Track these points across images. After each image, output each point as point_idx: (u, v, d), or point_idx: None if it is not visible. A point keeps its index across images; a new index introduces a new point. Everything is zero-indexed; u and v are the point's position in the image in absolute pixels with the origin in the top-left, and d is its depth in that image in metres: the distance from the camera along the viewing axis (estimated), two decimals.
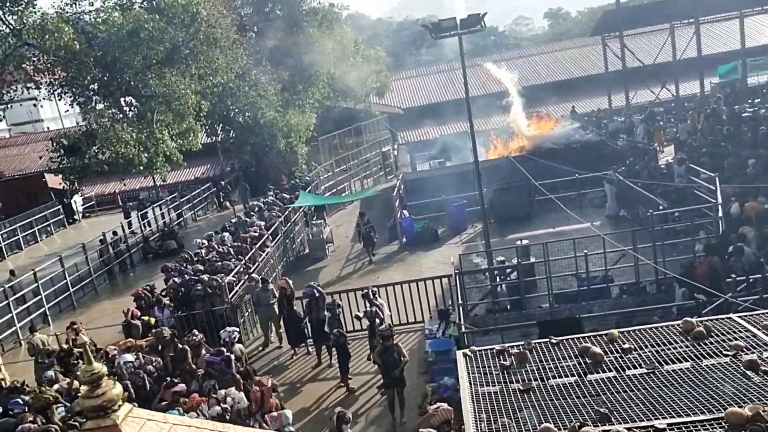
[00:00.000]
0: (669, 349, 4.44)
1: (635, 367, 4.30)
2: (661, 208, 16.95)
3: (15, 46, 21.73)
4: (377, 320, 13.09)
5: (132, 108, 23.12)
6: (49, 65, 22.51)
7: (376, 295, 13.80)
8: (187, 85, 22.59)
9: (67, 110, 32.88)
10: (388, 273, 19.02)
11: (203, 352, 12.04)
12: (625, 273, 15.23)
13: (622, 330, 4.85)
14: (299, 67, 28.46)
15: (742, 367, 4.05)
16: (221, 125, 29.21)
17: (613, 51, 29.71)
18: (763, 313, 4.87)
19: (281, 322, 14.94)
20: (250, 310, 16.22)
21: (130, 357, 12.29)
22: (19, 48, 21.97)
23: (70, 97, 22.92)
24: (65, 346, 12.88)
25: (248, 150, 29.13)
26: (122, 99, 22.72)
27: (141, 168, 22.16)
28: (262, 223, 20.50)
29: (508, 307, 15.29)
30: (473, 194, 22.76)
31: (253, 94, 26.86)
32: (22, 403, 10.71)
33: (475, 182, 16.07)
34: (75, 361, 12.62)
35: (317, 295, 14.34)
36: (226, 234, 20.22)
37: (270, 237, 19.45)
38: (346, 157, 29.26)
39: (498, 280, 15.56)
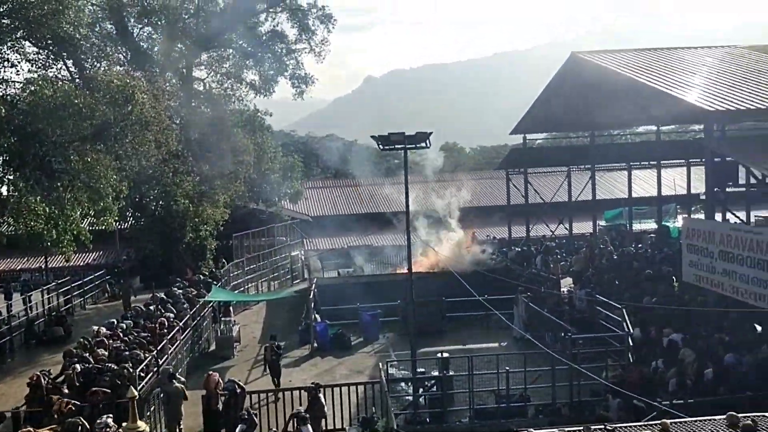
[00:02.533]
0: None
1: None
2: (570, 334, 17.91)
3: None
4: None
5: (46, 182, 21.91)
6: None
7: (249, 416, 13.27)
8: (108, 164, 21.90)
9: None
10: (301, 376, 18.53)
11: None
12: (539, 393, 15.76)
13: (674, 421, 5.13)
14: (219, 162, 28.45)
15: None
16: (132, 211, 28.25)
17: (516, 186, 32.04)
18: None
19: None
20: (154, 406, 15.14)
21: None
22: None
23: None
24: None
25: (155, 239, 28.15)
26: (37, 171, 21.54)
27: (47, 245, 20.74)
28: (172, 315, 19.58)
29: (428, 420, 15.26)
30: (384, 305, 23.27)
31: (170, 182, 26.41)
32: None
33: (407, 293, 16.40)
34: None
35: (238, 391, 13.74)
36: (129, 322, 19.13)
37: (180, 330, 18.58)
38: (256, 257, 28.93)
39: (420, 391, 15.58)
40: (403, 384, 16.89)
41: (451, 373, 15.70)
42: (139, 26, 29.86)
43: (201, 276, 26.41)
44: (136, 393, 4.12)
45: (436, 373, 15.99)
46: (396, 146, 15.06)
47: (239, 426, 12.74)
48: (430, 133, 14.91)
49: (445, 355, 16.51)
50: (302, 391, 14.61)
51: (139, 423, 3.70)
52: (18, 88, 21.87)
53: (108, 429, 11.16)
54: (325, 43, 33.34)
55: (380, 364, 15.60)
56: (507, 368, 15.17)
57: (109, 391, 13.27)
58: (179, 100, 27.97)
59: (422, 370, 16.47)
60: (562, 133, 38.87)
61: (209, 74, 32.95)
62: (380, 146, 15.17)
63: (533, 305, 21.21)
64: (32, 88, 21.09)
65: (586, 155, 30.69)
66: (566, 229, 31.84)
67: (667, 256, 24.23)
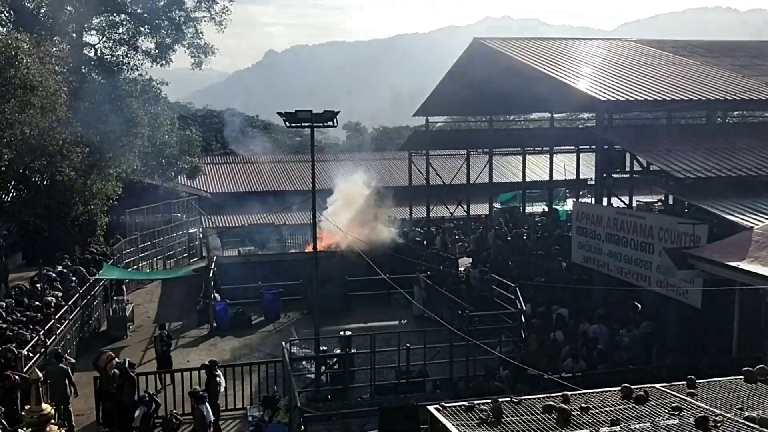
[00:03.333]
0: (622, 411, 5.05)
1: (601, 425, 4.81)
2: (466, 312, 18.53)
3: None
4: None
5: None
6: None
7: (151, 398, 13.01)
8: None
9: None
10: (200, 357, 18.10)
11: None
12: (438, 368, 16.24)
13: (573, 393, 5.39)
14: (111, 133, 27.00)
15: (695, 426, 4.78)
16: (14, 182, 26.28)
17: (418, 167, 32.58)
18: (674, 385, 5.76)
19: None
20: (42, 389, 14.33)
21: None
22: None
23: None
24: None
25: (38, 213, 26.40)
26: None
27: None
28: (60, 294, 18.53)
29: (329, 396, 15.38)
30: (287, 284, 23.13)
31: (56, 152, 24.79)
32: None
33: (311, 272, 16.33)
34: None
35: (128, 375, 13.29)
36: (9, 301, 17.94)
37: (69, 309, 17.63)
38: (151, 234, 27.85)
39: (323, 369, 15.66)
40: (305, 362, 16.92)
41: (353, 351, 15.86)
42: None
43: (91, 253, 25.14)
44: (40, 375, 3.88)
45: (338, 351, 16.10)
46: (303, 124, 14.90)
47: (139, 408, 12.31)
48: (338, 112, 14.86)
49: (348, 333, 16.64)
50: (199, 371, 14.33)
51: (44, 405, 3.49)
52: None
53: None
54: (226, 12, 32.35)
55: (283, 342, 15.51)
56: (408, 345, 15.51)
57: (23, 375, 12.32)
58: (68, 66, 26.26)
59: (325, 348, 16.55)
60: (462, 117, 39.72)
61: (101, 40, 31.18)
62: (286, 123, 14.95)
63: (433, 284, 21.75)
64: None
65: (485, 140, 31.63)
66: (464, 210, 32.78)
67: (557, 237, 25.54)
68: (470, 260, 25.79)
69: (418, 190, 33.00)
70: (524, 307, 17.63)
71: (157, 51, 31.49)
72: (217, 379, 13.71)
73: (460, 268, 24.38)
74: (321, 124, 14.70)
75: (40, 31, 24.79)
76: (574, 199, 29.21)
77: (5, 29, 25.67)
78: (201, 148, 35.07)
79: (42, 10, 28.43)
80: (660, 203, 25.94)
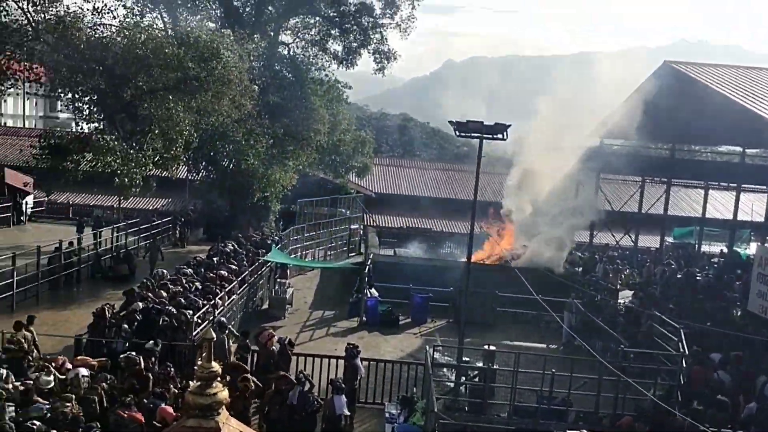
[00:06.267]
0: None
1: None
2: (621, 346, 17.56)
3: (28, 38, 21.47)
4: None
5: (125, 125, 22.82)
6: (54, 64, 22.19)
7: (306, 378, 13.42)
8: (185, 116, 22.60)
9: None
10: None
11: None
12: (583, 400, 15.55)
13: None
14: (294, 127, 28.91)
15: None
16: (204, 163, 29.10)
17: (586, 190, 31.34)
18: None
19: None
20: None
21: (85, 372, 11.74)
22: (31, 41, 21.70)
23: (69, 99, 22.55)
24: (22, 347, 12.17)
25: (223, 194, 28.95)
26: (121, 114, 22.46)
27: (119, 183, 21.64)
28: (234, 268, 20.19)
29: (466, 408, 15.30)
30: (436, 289, 23.33)
31: (243, 141, 27.01)
32: None
33: (463, 282, 16.39)
34: (30, 364, 11.95)
35: (289, 349, 14.11)
36: (189, 270, 19.81)
37: (237, 284, 19.15)
38: (317, 225, 29.41)
39: (463, 379, 15.63)
40: (445, 370, 16.97)
41: (495, 367, 15.64)
42: None
43: (261, 235, 27.07)
44: (213, 335, 4.32)
45: (480, 365, 15.97)
46: (472, 134, 14.97)
47: (297, 387, 12.82)
48: (509, 125, 14.75)
49: (492, 348, 16.44)
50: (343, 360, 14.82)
51: (213, 363, 3.90)
52: (113, 32, 22.65)
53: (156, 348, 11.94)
54: (411, 19, 33.27)
55: (427, 347, 15.68)
56: (553, 370, 15.01)
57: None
58: (263, 62, 28.50)
59: (467, 359, 16.49)
60: (641, 142, 37.65)
61: (294, 40, 33.46)
62: (456, 132, 15.10)
63: (587, 312, 20.85)
64: (126, 33, 21.91)
65: (664, 168, 29.68)
66: (632, 240, 31.04)
67: (734, 282, 23.37)
68: (632, 293, 24.37)
69: (581, 214, 31.72)
70: (686, 351, 16.35)
71: (344, 54, 33.14)
72: (356, 363, 14.07)
73: (619, 300, 23.14)
74: (490, 136, 14.67)
75: (244, 28, 27.10)
76: (759, 243, 26.56)
77: (214, 25, 28.33)
78: (373, 148, 36.42)
79: (247, 9, 31.08)
80: None
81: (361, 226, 33.75)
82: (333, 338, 20.02)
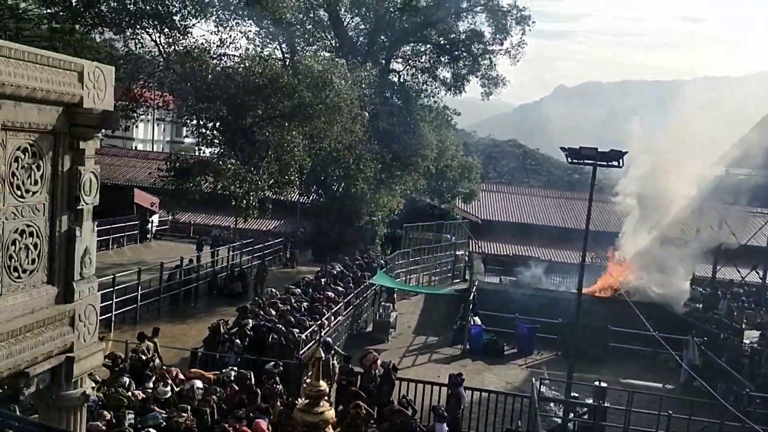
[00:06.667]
0: None
1: None
2: (747, 390, 16.27)
3: (159, 69, 23.16)
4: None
5: (244, 150, 24.00)
6: (182, 92, 23.80)
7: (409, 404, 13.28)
8: (299, 141, 23.49)
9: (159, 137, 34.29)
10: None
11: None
12: None
13: None
14: (402, 153, 29.29)
15: None
16: (314, 187, 30.03)
17: (709, 221, 29.49)
18: None
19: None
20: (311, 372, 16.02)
21: (200, 384, 12.24)
22: (162, 71, 23.39)
23: (194, 124, 24.07)
24: (143, 357, 12.91)
25: (331, 217, 29.68)
26: (241, 140, 23.67)
27: (236, 206, 22.73)
28: (340, 289, 20.58)
29: None
30: (543, 320, 22.62)
31: (353, 166, 27.64)
32: (97, 400, 10.73)
33: (573, 313, 15.81)
34: (149, 374, 12.64)
35: (389, 377, 14.10)
36: (298, 290, 20.35)
37: (343, 305, 19.47)
38: (422, 250, 29.45)
39: (571, 416, 15.00)
40: (552, 405, 16.36)
41: (606, 405, 14.91)
42: (350, 16, 31.51)
43: (368, 258, 27.43)
44: (322, 354, 4.40)
45: (590, 401, 15.28)
46: (586, 161, 14.53)
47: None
48: (625, 152, 14.22)
49: (604, 384, 15.71)
50: (446, 388, 14.65)
51: (321, 383, 3.97)
52: (235, 62, 24.00)
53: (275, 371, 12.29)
54: (522, 45, 32.99)
55: (533, 379, 15.21)
56: (670, 411, 14.11)
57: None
58: (374, 89, 29.16)
59: (576, 394, 15.81)
60: None
61: (405, 67, 33.99)
62: (568, 159, 14.72)
63: (709, 351, 19.51)
64: (246, 64, 23.13)
65: None
66: (759, 277, 28.77)
67: None
68: (758, 333, 22.55)
69: (705, 247, 29.81)
70: None
71: (452, 80, 33.32)
72: (460, 391, 13.86)
73: (744, 340, 21.47)
74: (605, 163, 14.17)
75: (357, 57, 27.91)
76: None
77: (329, 54, 29.38)
78: (480, 174, 36.19)
79: (360, 38, 32.00)
80: None
81: (467, 253, 33.46)
82: (435, 365, 19.84)
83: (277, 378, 12.50)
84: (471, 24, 33.17)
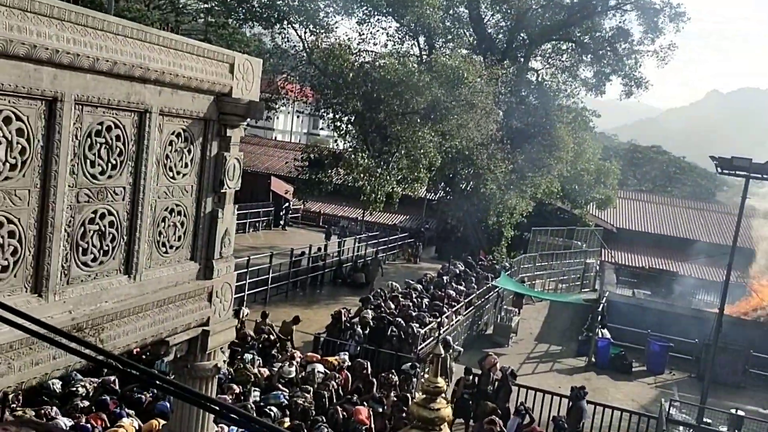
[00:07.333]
0: None
1: None
2: None
3: (302, 63, 24.11)
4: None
5: (375, 144, 24.46)
6: (321, 87, 24.62)
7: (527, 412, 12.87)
8: (431, 138, 23.55)
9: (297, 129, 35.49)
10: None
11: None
12: None
13: None
14: (536, 154, 28.57)
15: None
16: (442, 184, 30.03)
17: None
18: None
19: None
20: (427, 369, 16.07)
21: (321, 368, 12.65)
22: (304, 65, 24.34)
23: (330, 118, 24.88)
24: (272, 337, 13.52)
25: (458, 215, 29.53)
26: (373, 134, 24.15)
27: (363, 198, 23.22)
28: (462, 289, 20.48)
29: None
30: (676, 338, 21.25)
31: (484, 165, 27.33)
32: (225, 372, 11.38)
33: (712, 334, 14.73)
34: (275, 353, 13.24)
35: (507, 382, 13.85)
36: (419, 286, 20.48)
37: (464, 305, 19.35)
38: (550, 255, 28.63)
39: None
40: (682, 428, 15.32)
41: None
42: (490, 13, 31.13)
43: (492, 260, 27.07)
44: (442, 352, 4.40)
45: (725, 430, 14.18)
46: (737, 172, 13.44)
47: (513, 418, 12.60)
48: None
49: (740, 413, 14.51)
50: (568, 399, 14.16)
51: (440, 379, 3.97)
52: (372, 58, 24.46)
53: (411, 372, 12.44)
54: (673, 47, 31.08)
55: (662, 399, 14.34)
56: None
57: None
58: (510, 87, 28.65)
59: (709, 421, 14.72)
60: None
61: (544, 66, 33.10)
62: (718, 169, 13.68)
63: None
64: (383, 62, 23.52)
65: None
66: None
67: None
68: None
69: None
70: None
71: (593, 80, 32.02)
72: (582, 405, 13.36)
73: None
74: (759, 176, 13.03)
75: (495, 54, 27.53)
76: None
77: (468, 51, 29.19)
78: (617, 180, 34.57)
79: (500, 36, 31.52)
80: None
81: (598, 261, 32.11)
82: (557, 375, 19.21)
83: (394, 371, 12.63)
84: (619, 22, 31.66)
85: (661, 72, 35.13)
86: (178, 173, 5.15)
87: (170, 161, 5.05)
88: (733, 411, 14.69)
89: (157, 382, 2.70)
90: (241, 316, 14.87)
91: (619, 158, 44.07)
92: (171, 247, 5.17)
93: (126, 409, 9.36)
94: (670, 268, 30.87)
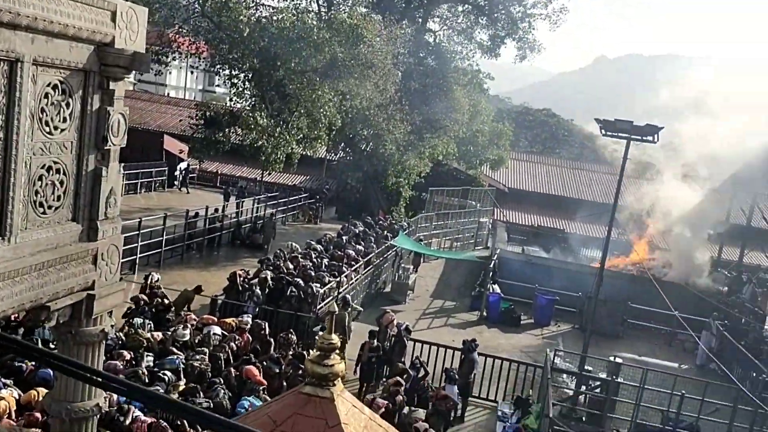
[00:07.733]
0: None
1: None
2: (764, 376, 16.15)
3: (192, 16, 23.02)
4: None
5: (274, 103, 23.94)
6: (216, 41, 23.67)
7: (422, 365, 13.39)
8: (330, 97, 23.33)
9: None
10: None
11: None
12: (713, 427, 14.47)
13: None
14: (433, 115, 28.99)
15: None
16: (342, 145, 29.94)
17: (740, 205, 28.92)
18: None
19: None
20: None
21: (217, 330, 12.47)
22: (195, 17, 23.25)
23: (226, 74, 24.02)
24: (166, 301, 13.15)
25: (357, 176, 29.64)
26: (271, 92, 23.59)
27: (262, 159, 22.78)
28: (361, 248, 20.67)
29: (583, 418, 14.73)
30: (562, 292, 22.56)
31: (383, 126, 27.45)
32: (116, 338, 11.00)
33: (593, 288, 15.71)
34: (169, 317, 12.90)
35: (401, 338, 14.21)
36: (319, 246, 20.50)
37: (363, 264, 19.58)
38: (446, 215, 29.38)
39: (583, 388, 15.03)
40: (565, 376, 16.39)
41: (620, 380, 14.90)
42: None
43: (391, 220, 27.46)
44: (336, 308, 4.44)
45: (603, 376, 15.29)
46: (620, 134, 14.24)
47: (411, 373, 12.92)
48: (661, 127, 13.88)
49: (619, 360, 15.67)
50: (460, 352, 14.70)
51: (334, 336, 4.01)
52: (269, 13, 23.72)
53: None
54: (564, 11, 32.18)
55: (547, 350, 15.23)
56: (683, 392, 14.06)
57: None
58: (408, 49, 28.73)
59: (590, 368, 15.82)
60: None
61: (441, 27, 33.40)
62: (602, 131, 14.43)
63: (729, 335, 19.33)
64: (281, 16, 22.89)
65: None
66: None
67: None
68: None
69: (734, 231, 29.34)
70: None
71: (489, 43, 32.69)
72: (474, 356, 13.93)
73: (766, 326, 21.25)
74: (639, 138, 13.87)
75: (393, 14, 27.44)
76: None
77: (366, 10, 28.91)
78: (510, 142, 35.74)
79: None
80: None
81: (491, 220, 33.31)
82: (451, 329, 19.96)
83: (292, 330, 12.65)
84: None
85: (555, 36, 36.20)
86: (56, 128, 4.80)
87: (46, 115, 4.69)
88: (611, 359, 15.80)
89: (35, 354, 2.56)
90: (150, 282, 14.36)
91: (511, 120, 45.52)
92: (50, 207, 4.85)
93: (3, 380, 8.84)
94: (558, 226, 32.52)
